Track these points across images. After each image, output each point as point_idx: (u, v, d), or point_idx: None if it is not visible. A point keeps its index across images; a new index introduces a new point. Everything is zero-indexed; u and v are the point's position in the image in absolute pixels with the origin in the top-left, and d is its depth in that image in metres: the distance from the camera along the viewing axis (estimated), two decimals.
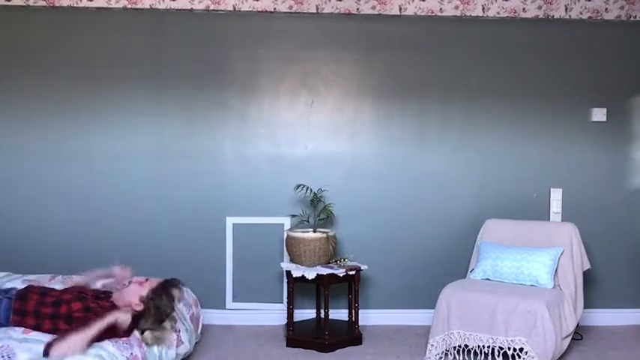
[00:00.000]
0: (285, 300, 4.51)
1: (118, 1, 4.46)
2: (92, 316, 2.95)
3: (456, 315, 3.73)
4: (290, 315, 4.13)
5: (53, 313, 3.00)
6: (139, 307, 3.12)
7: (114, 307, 3.10)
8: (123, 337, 2.98)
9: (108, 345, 2.82)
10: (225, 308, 4.59)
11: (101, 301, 3.15)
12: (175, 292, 3.25)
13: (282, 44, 4.54)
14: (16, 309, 3.00)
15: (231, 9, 4.49)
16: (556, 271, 3.97)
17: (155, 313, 3.14)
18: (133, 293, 3.17)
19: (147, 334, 3.11)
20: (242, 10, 4.50)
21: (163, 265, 4.47)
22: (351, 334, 4.17)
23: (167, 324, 3.24)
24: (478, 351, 3.70)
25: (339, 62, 4.56)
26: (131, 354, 2.89)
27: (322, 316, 4.33)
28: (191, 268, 4.51)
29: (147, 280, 3.28)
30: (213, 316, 4.52)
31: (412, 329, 4.44)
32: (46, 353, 2.71)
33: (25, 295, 3.07)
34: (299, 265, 4.16)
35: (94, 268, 3.80)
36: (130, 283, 3.27)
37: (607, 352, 3.98)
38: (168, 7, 4.47)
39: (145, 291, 3.18)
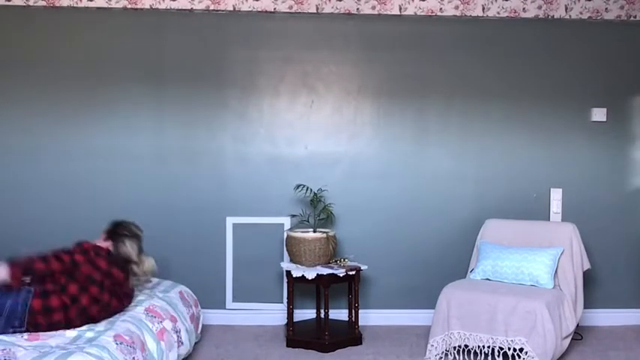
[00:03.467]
0: (285, 300, 4.51)
1: (118, 1, 4.45)
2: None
3: (456, 315, 3.73)
4: (290, 315, 4.14)
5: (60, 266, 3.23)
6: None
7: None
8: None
9: (111, 346, 2.81)
10: (225, 308, 4.59)
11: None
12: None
13: (282, 44, 4.53)
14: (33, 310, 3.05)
15: (231, 9, 4.49)
16: (556, 271, 3.97)
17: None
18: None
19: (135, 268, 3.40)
20: (242, 10, 4.49)
21: (163, 264, 4.47)
22: (351, 334, 4.17)
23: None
24: (478, 351, 3.71)
25: (339, 62, 4.56)
26: (133, 358, 2.88)
27: (322, 316, 4.33)
28: (191, 268, 4.52)
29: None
30: (213, 316, 4.52)
31: (412, 329, 4.45)
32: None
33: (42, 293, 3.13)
34: (299, 265, 4.16)
35: None
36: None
37: (607, 352, 3.98)
38: (168, 7, 4.47)
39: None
